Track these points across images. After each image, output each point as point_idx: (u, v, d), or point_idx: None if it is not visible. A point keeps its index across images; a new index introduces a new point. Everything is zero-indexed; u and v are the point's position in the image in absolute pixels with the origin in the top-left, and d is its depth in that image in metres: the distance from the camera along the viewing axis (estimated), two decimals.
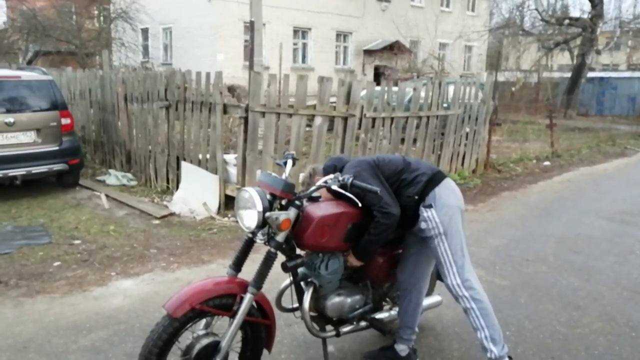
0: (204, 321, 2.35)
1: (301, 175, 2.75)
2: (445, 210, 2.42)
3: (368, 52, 23.97)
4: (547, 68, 24.23)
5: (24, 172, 5.85)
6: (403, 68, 23.21)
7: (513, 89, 20.23)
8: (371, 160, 2.50)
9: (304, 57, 22.65)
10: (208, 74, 5.78)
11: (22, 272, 3.97)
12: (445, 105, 7.60)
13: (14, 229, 4.98)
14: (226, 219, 5.49)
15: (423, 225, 2.43)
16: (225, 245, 4.69)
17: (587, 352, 3.04)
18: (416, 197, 2.43)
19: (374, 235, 2.38)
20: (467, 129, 8.06)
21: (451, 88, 7.67)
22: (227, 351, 2.28)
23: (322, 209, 2.35)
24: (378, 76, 23.09)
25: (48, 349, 2.89)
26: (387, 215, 2.32)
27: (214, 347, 2.25)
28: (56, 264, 4.16)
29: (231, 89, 14.05)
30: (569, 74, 21.76)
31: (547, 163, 10.04)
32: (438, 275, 3.13)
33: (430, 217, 2.41)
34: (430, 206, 2.42)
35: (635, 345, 3.14)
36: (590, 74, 21.87)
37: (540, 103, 19.25)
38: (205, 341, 2.25)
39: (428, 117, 7.20)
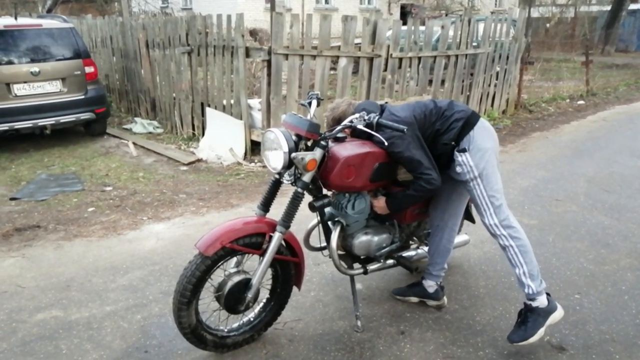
0: (234, 260, 2.40)
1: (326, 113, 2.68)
2: (481, 153, 2.38)
3: None
4: (585, 1, 22.74)
5: (53, 122, 5.97)
6: (431, 6, 22.21)
7: (548, 25, 19.20)
8: (411, 121, 2.37)
9: None
10: (229, 17, 5.64)
11: (59, 217, 4.14)
12: (474, 44, 7.28)
13: (48, 177, 5.15)
14: (253, 164, 5.54)
15: (458, 169, 2.41)
16: (253, 190, 4.76)
17: (613, 288, 3.02)
18: (452, 143, 2.41)
19: (412, 195, 2.39)
20: (498, 68, 7.76)
21: (481, 25, 7.33)
22: (258, 288, 2.35)
23: (348, 149, 2.32)
24: (405, 15, 22.16)
25: (89, 287, 3.05)
26: (431, 183, 2.33)
27: (245, 284, 2.32)
28: (90, 209, 4.31)
29: (253, 33, 13.76)
30: (608, 7, 20.38)
31: (581, 102, 9.65)
32: (466, 216, 3.12)
33: (464, 162, 2.38)
34: (464, 150, 2.39)
35: None
36: (633, 6, 20.37)
37: (577, 39, 18.27)
38: (236, 278, 2.32)
39: (457, 57, 6.94)
